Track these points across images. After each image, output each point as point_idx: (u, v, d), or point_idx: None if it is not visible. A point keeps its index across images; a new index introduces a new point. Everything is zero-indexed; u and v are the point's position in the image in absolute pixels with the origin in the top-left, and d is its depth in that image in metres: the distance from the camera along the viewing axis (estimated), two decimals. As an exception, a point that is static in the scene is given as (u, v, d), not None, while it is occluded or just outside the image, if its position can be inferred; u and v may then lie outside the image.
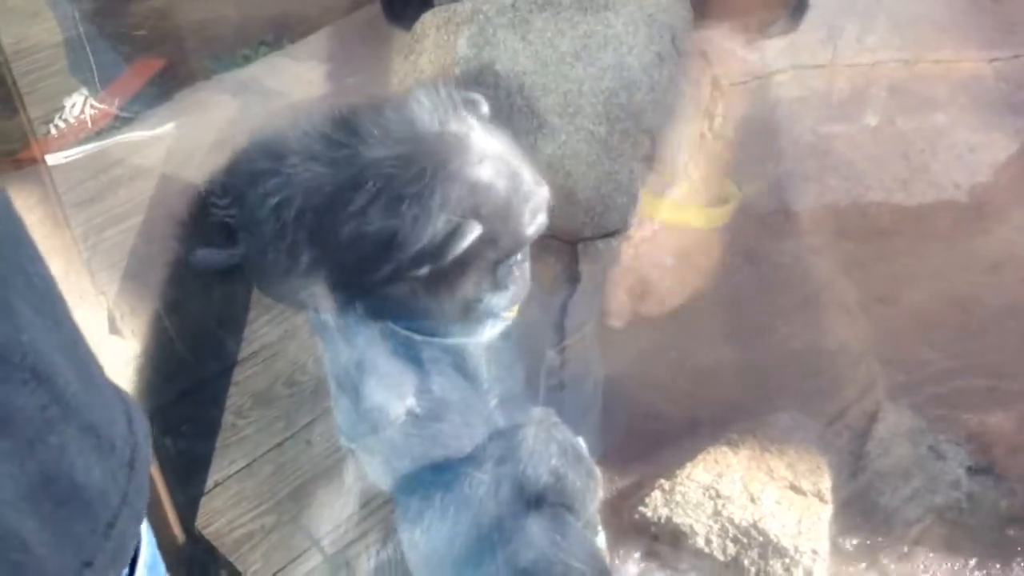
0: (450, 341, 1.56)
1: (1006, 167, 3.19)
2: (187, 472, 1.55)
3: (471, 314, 1.57)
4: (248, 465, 1.48)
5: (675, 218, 2.89)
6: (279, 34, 3.88)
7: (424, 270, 1.42)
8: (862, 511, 2.38)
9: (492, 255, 1.49)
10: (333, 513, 1.49)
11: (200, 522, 1.59)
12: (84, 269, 2.86)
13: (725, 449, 2.42)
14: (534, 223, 1.54)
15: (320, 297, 1.43)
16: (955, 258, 2.94)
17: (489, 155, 1.48)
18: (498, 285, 1.57)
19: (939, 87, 3.50)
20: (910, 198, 3.15)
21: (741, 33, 3.76)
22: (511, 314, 1.63)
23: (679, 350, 2.75)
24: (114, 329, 2.78)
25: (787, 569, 2.21)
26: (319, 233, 1.40)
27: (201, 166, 3.17)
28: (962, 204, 3.11)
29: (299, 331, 1.51)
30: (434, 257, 1.42)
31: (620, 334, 2.83)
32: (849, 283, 2.94)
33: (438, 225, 1.41)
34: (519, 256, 1.59)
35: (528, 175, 1.56)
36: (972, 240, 2.98)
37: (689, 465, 2.39)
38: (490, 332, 1.62)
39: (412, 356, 1.51)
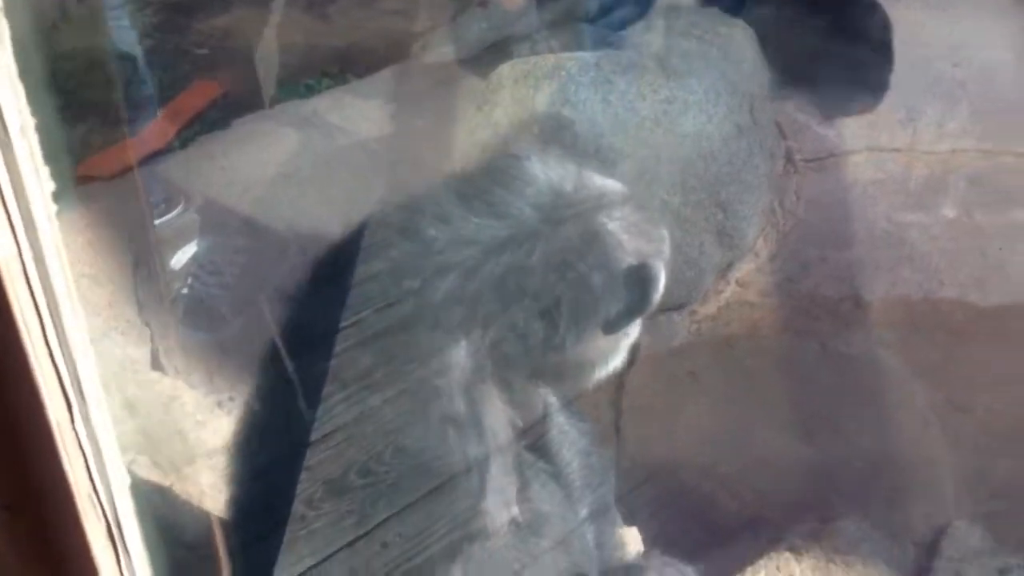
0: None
1: (1088, 273, 3.07)
2: (253, 564, 1.44)
3: (606, 362, 1.50)
4: (317, 565, 1.37)
5: None
6: (343, 67, 3.80)
7: (633, 324, 1.38)
8: (929, 638, 2.25)
9: None
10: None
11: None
12: (132, 297, 2.77)
13: (788, 556, 2.29)
14: (666, 253, 1.48)
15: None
16: (1032, 367, 2.82)
17: (626, 198, 1.42)
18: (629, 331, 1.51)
19: (1019, 181, 3.38)
20: (986, 298, 3.03)
21: (818, 107, 3.68)
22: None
23: (743, 437, 2.63)
24: (157, 364, 2.68)
25: None
26: (495, 308, 1.33)
27: (261, 201, 3.09)
28: (1040, 309, 2.99)
29: (376, 414, 1.40)
30: (639, 308, 1.37)
31: (682, 416, 2.72)
32: (920, 384, 2.82)
33: (626, 276, 1.35)
34: None
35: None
36: (1051, 349, 2.86)
37: (750, 571, 2.27)
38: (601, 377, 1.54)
39: (515, 462, 1.41)
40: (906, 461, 2.62)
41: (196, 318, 2.58)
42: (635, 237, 1.39)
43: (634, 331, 1.51)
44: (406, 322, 1.41)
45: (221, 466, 2.51)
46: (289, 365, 1.53)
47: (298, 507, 1.39)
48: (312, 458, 1.42)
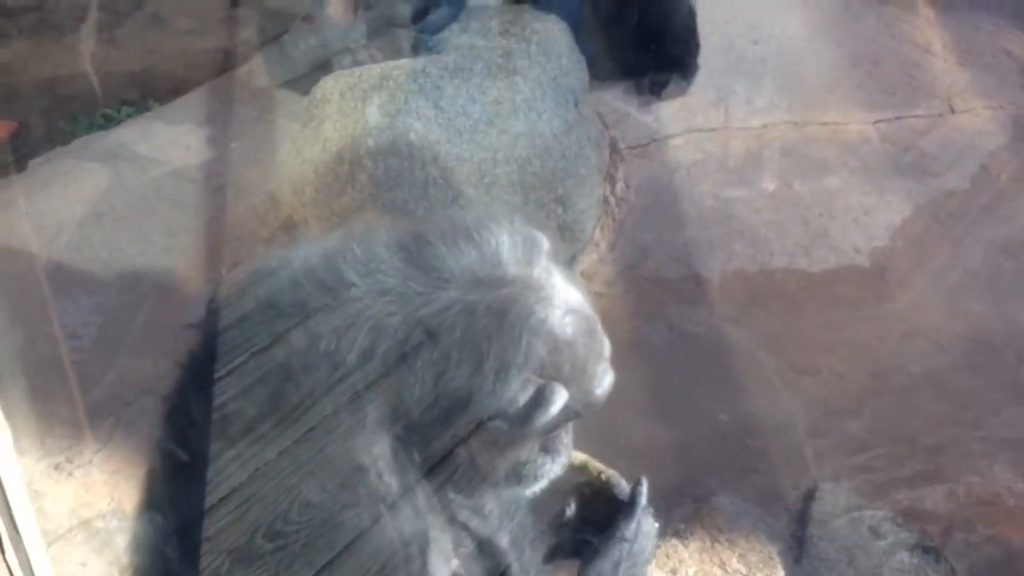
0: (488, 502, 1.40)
1: (902, 231, 3.24)
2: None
3: (518, 478, 1.40)
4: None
5: None
6: (143, 93, 3.60)
7: (501, 434, 1.25)
8: (814, 600, 2.32)
9: (560, 418, 1.30)
10: None
11: None
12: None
13: (675, 542, 2.32)
14: (604, 386, 1.36)
15: (381, 455, 1.24)
16: (866, 326, 2.95)
17: (572, 308, 1.29)
18: (551, 449, 1.40)
19: (829, 149, 3.54)
20: (813, 264, 3.15)
21: (635, 94, 3.74)
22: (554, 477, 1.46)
23: (611, 429, 2.64)
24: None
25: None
26: (387, 380, 1.21)
27: (72, 245, 2.87)
28: (864, 269, 3.13)
29: (273, 468, 1.30)
30: (518, 422, 1.24)
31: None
32: (766, 354, 2.91)
33: (522, 386, 1.23)
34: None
35: (600, 330, 1.36)
36: (880, 307, 3.01)
37: (641, 562, 2.27)
38: (530, 494, 1.44)
39: (449, 512, 1.33)
40: (764, 430, 2.69)
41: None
42: (559, 352, 1.25)
43: (568, 450, 1.42)
44: (297, 364, 1.30)
45: (87, 538, 2.34)
46: (175, 426, 1.40)
47: (205, 583, 1.28)
48: (211, 527, 1.31)
